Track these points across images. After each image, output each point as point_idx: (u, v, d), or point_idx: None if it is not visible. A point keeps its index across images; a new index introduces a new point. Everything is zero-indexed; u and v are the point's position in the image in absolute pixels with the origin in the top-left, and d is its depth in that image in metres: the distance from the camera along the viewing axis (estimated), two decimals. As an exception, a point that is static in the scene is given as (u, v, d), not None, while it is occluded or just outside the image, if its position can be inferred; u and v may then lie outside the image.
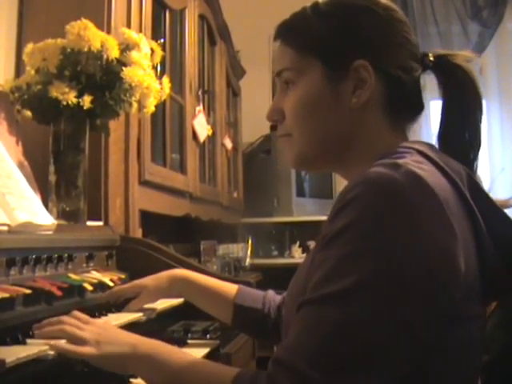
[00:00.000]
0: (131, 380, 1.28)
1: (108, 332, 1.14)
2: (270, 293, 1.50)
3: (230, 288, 1.52)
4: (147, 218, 2.29)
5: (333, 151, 1.12)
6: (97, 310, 1.49)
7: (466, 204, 0.99)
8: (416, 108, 1.15)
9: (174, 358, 1.04)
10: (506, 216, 1.04)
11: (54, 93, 1.65)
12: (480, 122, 1.13)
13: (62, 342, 1.11)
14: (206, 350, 1.60)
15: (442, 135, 1.14)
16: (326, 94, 1.09)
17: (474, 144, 1.13)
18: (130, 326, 1.49)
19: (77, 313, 1.23)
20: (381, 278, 0.88)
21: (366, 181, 0.92)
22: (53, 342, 1.10)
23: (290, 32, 1.14)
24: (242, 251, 3.81)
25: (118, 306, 1.57)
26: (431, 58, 1.14)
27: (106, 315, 1.49)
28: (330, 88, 1.09)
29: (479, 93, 1.13)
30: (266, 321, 1.45)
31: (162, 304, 1.66)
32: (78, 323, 1.16)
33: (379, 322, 0.87)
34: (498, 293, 1.07)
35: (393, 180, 0.91)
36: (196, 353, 1.56)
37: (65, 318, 1.19)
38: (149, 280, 1.56)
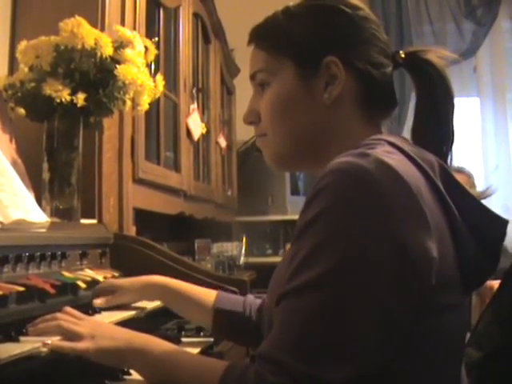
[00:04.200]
0: (124, 377, 1.28)
1: (102, 327, 1.15)
2: (250, 297, 1.51)
3: (209, 294, 1.52)
4: (141, 216, 2.29)
5: (307, 149, 1.14)
6: (90, 307, 1.49)
7: (439, 194, 1.00)
8: (389, 103, 1.17)
9: (166, 353, 1.05)
10: (480, 205, 1.06)
11: (48, 90, 1.65)
12: (452, 116, 1.15)
13: (57, 340, 1.12)
14: (199, 348, 1.60)
15: (415, 130, 1.16)
16: (298, 92, 1.12)
17: (447, 138, 1.15)
18: (123, 324, 1.49)
19: (69, 309, 1.23)
20: (352, 264, 0.89)
21: (334, 170, 0.93)
22: (47, 340, 1.10)
23: (262, 35, 1.17)
24: (237, 250, 3.80)
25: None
26: (402, 55, 1.16)
27: (99, 313, 1.49)
28: (302, 86, 1.12)
29: (450, 87, 1.15)
30: (248, 324, 1.45)
31: (156, 302, 1.66)
32: (72, 319, 1.17)
33: (353, 308, 0.88)
34: (478, 281, 1.07)
35: (361, 168, 0.92)
36: (189, 351, 1.56)
37: (59, 315, 1.19)
38: (124, 281, 1.58)
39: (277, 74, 1.14)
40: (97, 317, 1.46)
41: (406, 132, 4.08)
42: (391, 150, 1.01)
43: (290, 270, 0.94)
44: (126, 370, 1.30)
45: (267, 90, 1.15)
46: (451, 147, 1.15)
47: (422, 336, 0.95)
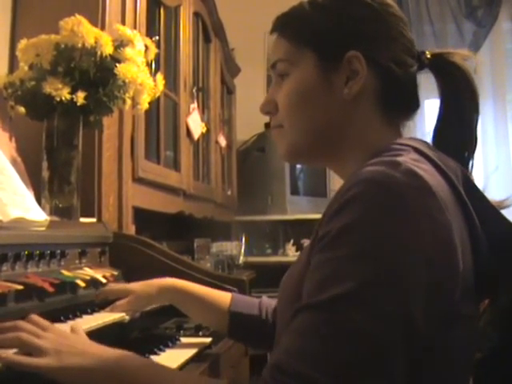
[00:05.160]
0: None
1: (70, 341, 1.04)
2: (265, 299, 1.48)
3: (224, 296, 1.50)
4: (140, 215, 2.29)
5: (324, 143, 1.11)
6: (89, 306, 1.49)
7: (462, 202, 0.99)
8: (411, 104, 1.14)
9: (147, 372, 0.97)
10: (499, 214, 1.04)
11: (48, 89, 1.65)
12: (476, 121, 1.13)
13: (12, 353, 0.99)
14: (197, 347, 1.60)
15: (437, 133, 1.14)
16: (318, 84, 1.09)
17: (469, 143, 1.13)
18: (120, 325, 1.49)
19: (35, 317, 1.11)
20: (382, 279, 0.85)
21: (365, 179, 0.90)
22: (3, 353, 0.97)
23: (286, 23, 1.15)
24: (236, 249, 3.80)
25: (109, 303, 1.56)
26: (428, 56, 1.14)
27: (98, 312, 1.49)
28: (322, 79, 1.09)
29: (476, 92, 1.13)
30: (264, 327, 1.41)
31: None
32: (35, 330, 1.05)
33: (382, 323, 0.84)
34: (490, 291, 1.06)
35: (393, 179, 0.89)
36: (187, 350, 1.55)
37: (21, 324, 1.07)
38: (139, 285, 1.54)
39: (297, 64, 1.11)
40: (95, 315, 1.45)
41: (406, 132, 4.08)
42: (418, 157, 0.98)
43: (314, 281, 0.90)
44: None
45: (286, 81, 1.12)
46: (473, 153, 1.13)
47: (442, 348, 0.93)
